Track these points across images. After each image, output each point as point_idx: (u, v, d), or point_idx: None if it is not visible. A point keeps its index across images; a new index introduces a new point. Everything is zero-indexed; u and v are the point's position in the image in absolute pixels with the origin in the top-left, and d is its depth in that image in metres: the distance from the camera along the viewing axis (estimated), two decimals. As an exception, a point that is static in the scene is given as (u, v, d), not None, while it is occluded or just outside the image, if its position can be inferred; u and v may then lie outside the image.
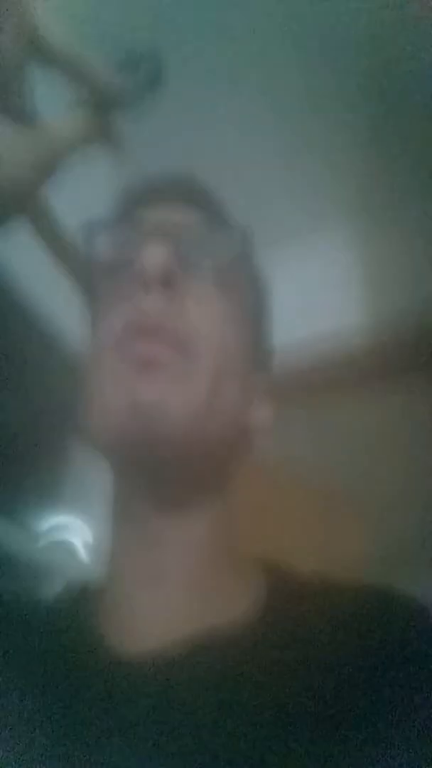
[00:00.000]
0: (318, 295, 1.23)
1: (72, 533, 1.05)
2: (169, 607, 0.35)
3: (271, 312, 0.48)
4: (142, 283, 0.36)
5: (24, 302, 1.05)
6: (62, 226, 0.45)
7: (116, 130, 0.36)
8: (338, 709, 0.29)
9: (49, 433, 1.03)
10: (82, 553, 1.03)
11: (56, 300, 0.79)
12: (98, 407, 0.36)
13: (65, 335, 1.06)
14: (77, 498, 1.07)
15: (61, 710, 0.31)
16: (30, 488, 1.02)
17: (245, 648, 0.32)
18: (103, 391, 0.36)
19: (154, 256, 0.36)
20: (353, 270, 1.25)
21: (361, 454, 1.11)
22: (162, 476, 0.36)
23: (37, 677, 0.33)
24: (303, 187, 1.22)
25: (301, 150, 1.18)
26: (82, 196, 0.60)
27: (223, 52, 1.04)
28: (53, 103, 0.34)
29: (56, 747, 0.29)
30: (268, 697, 0.30)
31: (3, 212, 0.33)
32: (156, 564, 0.36)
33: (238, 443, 0.41)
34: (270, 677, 0.31)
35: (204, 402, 0.35)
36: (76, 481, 1.07)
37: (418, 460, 1.04)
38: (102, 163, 0.40)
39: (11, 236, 0.37)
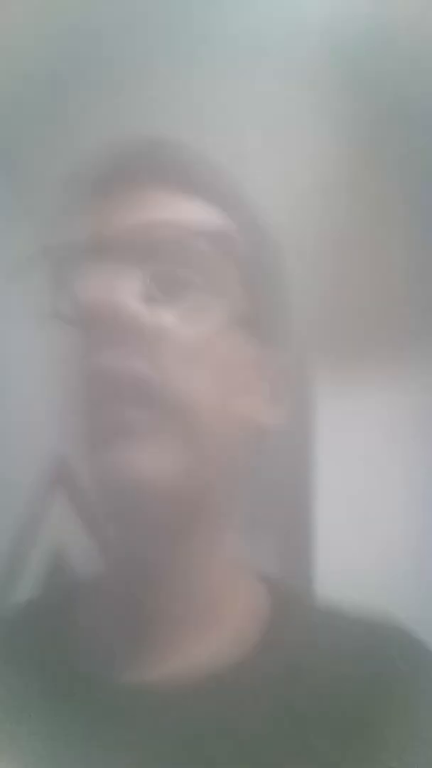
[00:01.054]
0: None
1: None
2: (178, 638, 0.33)
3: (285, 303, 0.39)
4: (95, 333, 0.30)
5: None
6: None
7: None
8: (339, 739, 0.30)
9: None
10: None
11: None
12: (92, 481, 0.32)
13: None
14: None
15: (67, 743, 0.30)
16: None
17: (252, 673, 0.32)
18: (92, 463, 0.31)
19: (103, 297, 0.30)
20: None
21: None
22: (158, 534, 0.33)
23: (50, 705, 0.32)
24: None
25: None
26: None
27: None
28: None
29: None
30: (275, 722, 0.30)
31: None
32: (161, 599, 0.34)
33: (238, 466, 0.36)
34: (276, 702, 0.31)
35: (193, 466, 0.31)
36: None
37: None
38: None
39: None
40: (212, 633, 0.34)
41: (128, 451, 0.30)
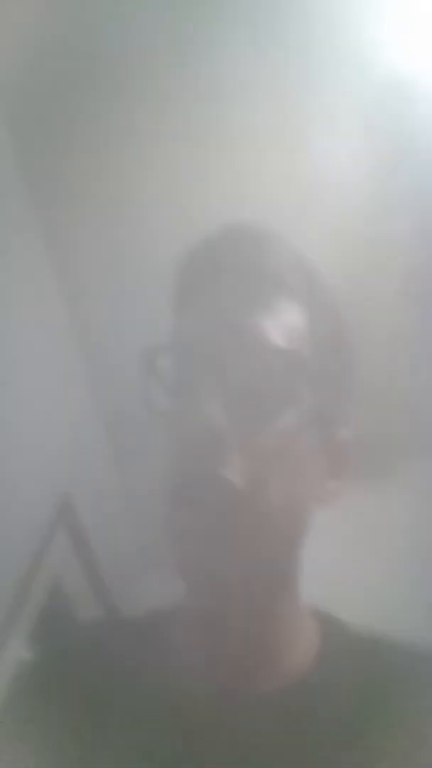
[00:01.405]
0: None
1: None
2: (230, 662, 0.36)
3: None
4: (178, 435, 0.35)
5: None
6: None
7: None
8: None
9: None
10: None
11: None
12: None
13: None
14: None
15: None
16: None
17: (299, 702, 0.35)
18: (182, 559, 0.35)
19: (186, 404, 0.34)
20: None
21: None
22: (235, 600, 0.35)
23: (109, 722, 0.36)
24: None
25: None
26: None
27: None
28: None
29: None
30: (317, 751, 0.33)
31: None
32: (234, 645, 0.36)
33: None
34: (321, 730, 0.33)
35: (265, 546, 0.34)
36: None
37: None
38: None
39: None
40: (276, 666, 0.37)
41: (213, 552, 0.33)
